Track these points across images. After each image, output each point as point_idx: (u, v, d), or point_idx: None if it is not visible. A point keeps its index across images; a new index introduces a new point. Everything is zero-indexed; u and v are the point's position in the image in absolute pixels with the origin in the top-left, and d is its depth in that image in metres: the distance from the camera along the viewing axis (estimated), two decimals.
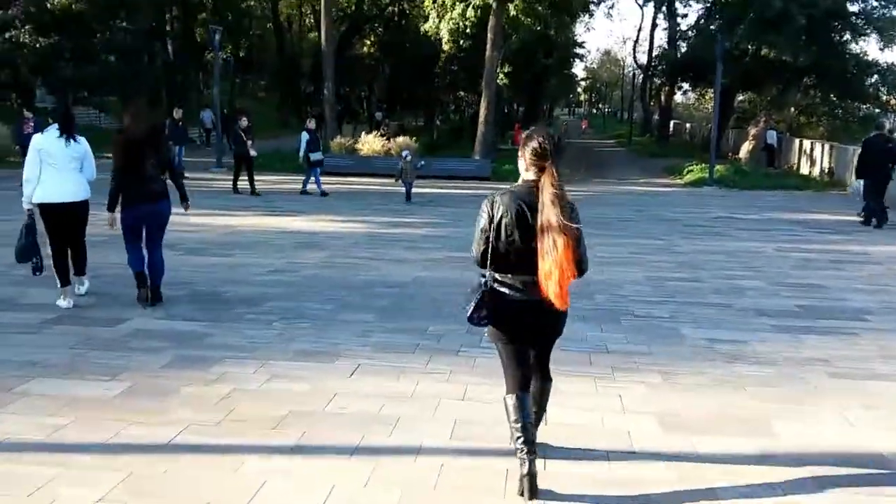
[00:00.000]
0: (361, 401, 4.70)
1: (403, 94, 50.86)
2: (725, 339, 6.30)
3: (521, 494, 3.53)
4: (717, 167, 22.45)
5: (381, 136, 24.98)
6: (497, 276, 3.52)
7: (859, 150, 14.53)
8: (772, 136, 28.23)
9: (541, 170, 3.44)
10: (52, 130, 6.66)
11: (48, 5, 23.39)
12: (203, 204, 14.68)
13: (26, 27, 23.29)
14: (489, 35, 24.99)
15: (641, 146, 41.56)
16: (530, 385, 3.72)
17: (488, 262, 3.51)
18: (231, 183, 16.72)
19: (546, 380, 3.84)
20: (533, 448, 3.55)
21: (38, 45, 23.22)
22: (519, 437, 3.53)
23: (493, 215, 3.47)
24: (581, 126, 68.06)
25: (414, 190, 16.03)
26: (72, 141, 6.65)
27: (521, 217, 3.43)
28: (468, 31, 26.47)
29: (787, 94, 34.67)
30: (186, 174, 19.94)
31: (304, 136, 16.54)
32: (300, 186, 16.90)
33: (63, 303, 6.72)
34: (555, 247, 3.33)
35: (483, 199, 3.57)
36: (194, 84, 36.42)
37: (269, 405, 4.59)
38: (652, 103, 55.45)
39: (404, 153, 16.83)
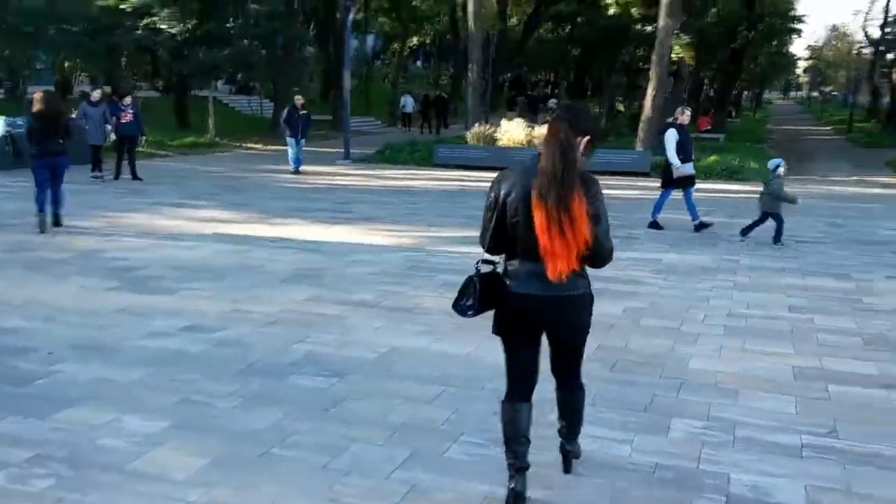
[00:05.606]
0: None
1: (591, 80, 46.63)
2: None
3: None
4: None
5: (529, 123, 21.65)
6: (508, 265, 3.07)
7: None
8: None
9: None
10: None
11: None
12: (268, 207, 12.05)
13: (164, 12, 22.36)
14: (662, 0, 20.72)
15: (864, 134, 34.70)
16: (531, 395, 3.20)
17: (495, 248, 3.07)
18: None
19: (570, 389, 3.25)
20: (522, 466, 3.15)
21: (174, 32, 22.23)
22: (508, 459, 3.16)
23: (498, 193, 3.00)
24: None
25: None
26: None
27: (527, 194, 2.88)
28: None
29: None
30: (303, 168, 17.48)
31: (672, 134, 10.21)
32: None
33: None
34: (551, 219, 2.81)
35: None
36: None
37: None
38: (882, 84, 47.15)
39: (773, 164, 9.92)
